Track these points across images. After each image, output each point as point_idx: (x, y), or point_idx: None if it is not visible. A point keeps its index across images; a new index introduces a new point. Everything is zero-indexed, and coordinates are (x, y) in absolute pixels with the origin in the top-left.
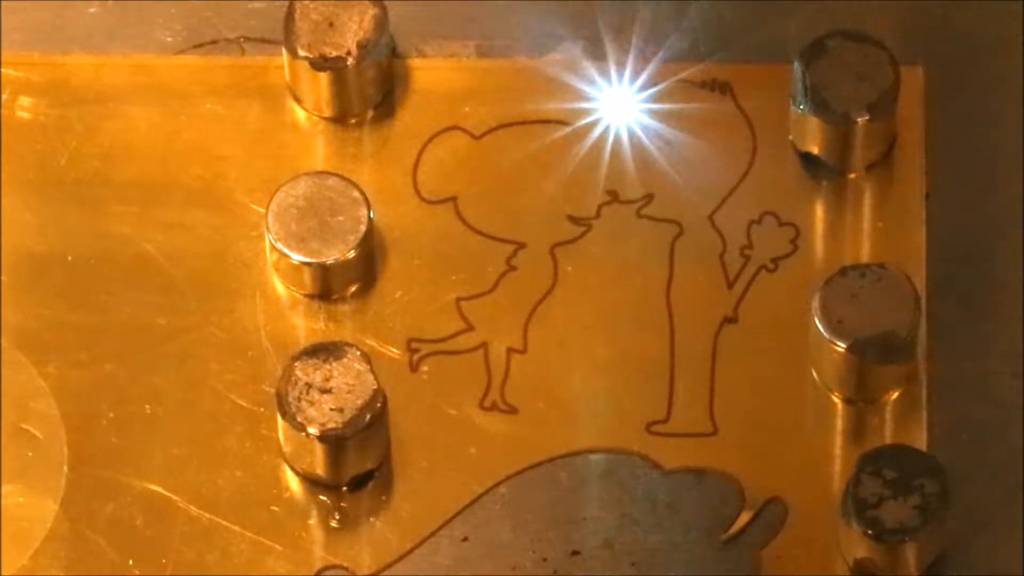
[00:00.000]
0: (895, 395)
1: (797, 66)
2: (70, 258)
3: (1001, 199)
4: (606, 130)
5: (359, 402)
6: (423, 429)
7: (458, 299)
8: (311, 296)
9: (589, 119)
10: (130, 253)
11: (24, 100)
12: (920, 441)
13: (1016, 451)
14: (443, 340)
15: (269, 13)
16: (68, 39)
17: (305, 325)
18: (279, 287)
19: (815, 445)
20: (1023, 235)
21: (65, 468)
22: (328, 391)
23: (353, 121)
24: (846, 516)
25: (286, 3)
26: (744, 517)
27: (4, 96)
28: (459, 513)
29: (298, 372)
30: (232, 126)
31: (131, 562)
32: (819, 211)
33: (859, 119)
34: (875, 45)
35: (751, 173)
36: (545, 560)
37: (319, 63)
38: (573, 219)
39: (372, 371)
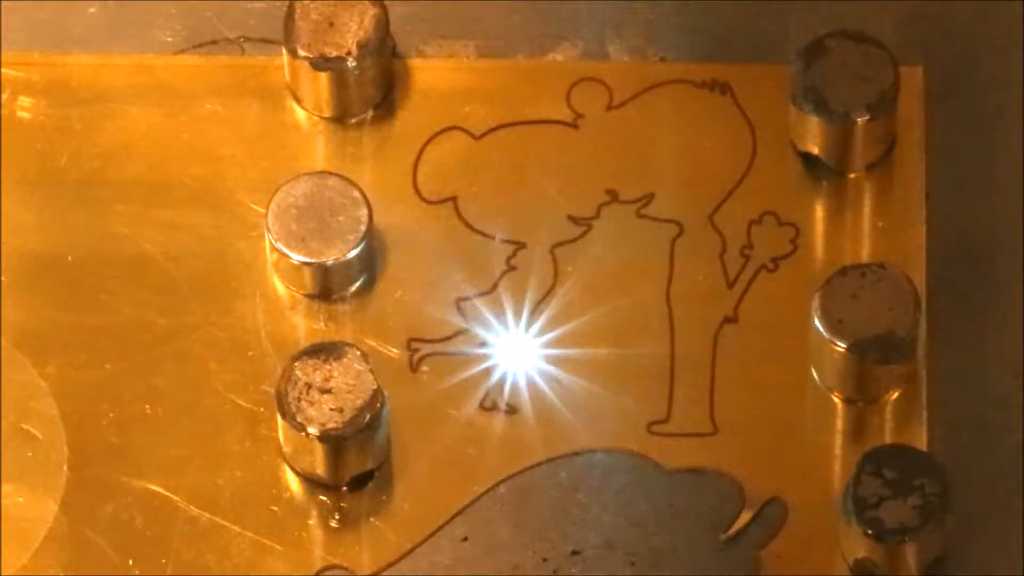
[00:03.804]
0: (895, 395)
1: (797, 66)
2: (70, 258)
3: (1001, 199)
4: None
5: (359, 402)
6: (423, 429)
7: (458, 299)
8: (311, 296)
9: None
10: (130, 253)
11: (24, 100)
12: (920, 441)
13: (1016, 451)
14: (443, 340)
15: (269, 13)
16: (68, 39)
17: (305, 325)
18: (279, 287)
19: (815, 445)
20: (1023, 235)
21: (65, 468)
22: (328, 391)
23: (353, 121)
24: (846, 516)
25: (286, 3)
26: (744, 517)
27: (4, 96)
28: (459, 513)
29: (298, 372)
30: (232, 126)
31: (131, 562)
32: (819, 211)
33: (859, 119)
34: (875, 45)
35: (751, 173)
36: (545, 560)
37: (319, 63)
38: (573, 219)
39: (372, 371)
